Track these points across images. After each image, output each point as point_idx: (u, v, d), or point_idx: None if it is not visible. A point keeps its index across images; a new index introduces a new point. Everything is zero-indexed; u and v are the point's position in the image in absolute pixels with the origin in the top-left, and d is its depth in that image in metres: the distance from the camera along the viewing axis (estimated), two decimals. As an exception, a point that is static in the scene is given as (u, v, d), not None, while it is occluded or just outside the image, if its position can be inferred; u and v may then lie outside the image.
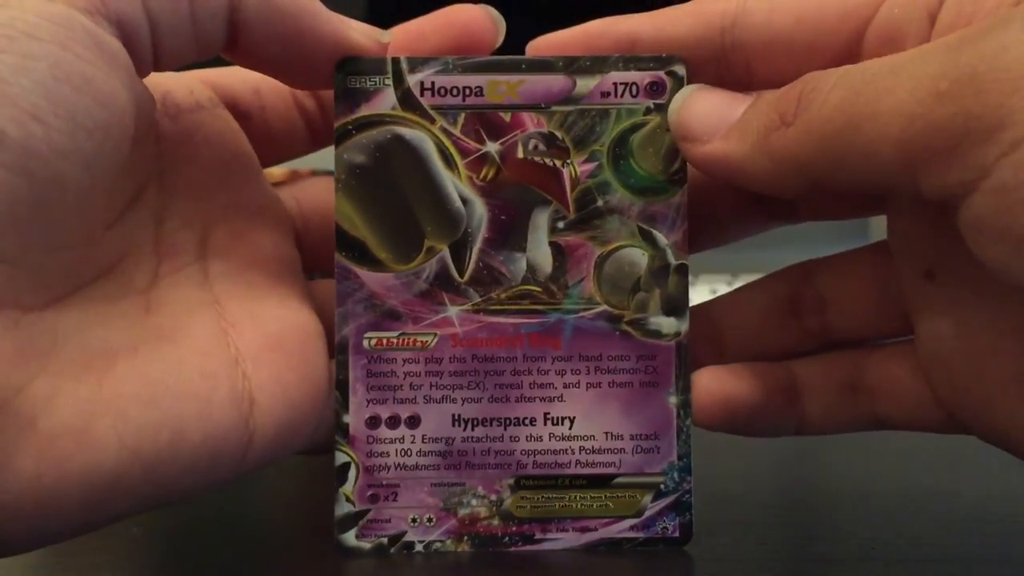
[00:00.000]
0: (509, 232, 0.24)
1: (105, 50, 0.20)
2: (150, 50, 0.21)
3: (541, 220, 0.24)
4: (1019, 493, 0.29)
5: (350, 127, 0.24)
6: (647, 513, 0.24)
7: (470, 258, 0.24)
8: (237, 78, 0.26)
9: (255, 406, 0.22)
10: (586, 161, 0.24)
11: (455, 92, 0.24)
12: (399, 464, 0.24)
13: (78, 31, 0.20)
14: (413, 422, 0.24)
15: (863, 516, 0.27)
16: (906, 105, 0.19)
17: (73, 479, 0.19)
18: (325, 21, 0.23)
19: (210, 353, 0.22)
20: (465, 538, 0.24)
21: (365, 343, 0.24)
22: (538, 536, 0.24)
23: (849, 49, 0.23)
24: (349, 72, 0.24)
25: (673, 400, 0.24)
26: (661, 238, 0.24)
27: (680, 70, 0.24)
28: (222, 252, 0.24)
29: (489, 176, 0.24)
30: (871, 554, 0.24)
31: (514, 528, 0.24)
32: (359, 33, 0.24)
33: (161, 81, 0.24)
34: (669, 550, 0.24)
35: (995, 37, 0.18)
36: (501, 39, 0.25)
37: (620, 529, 0.24)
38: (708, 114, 0.23)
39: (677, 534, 0.24)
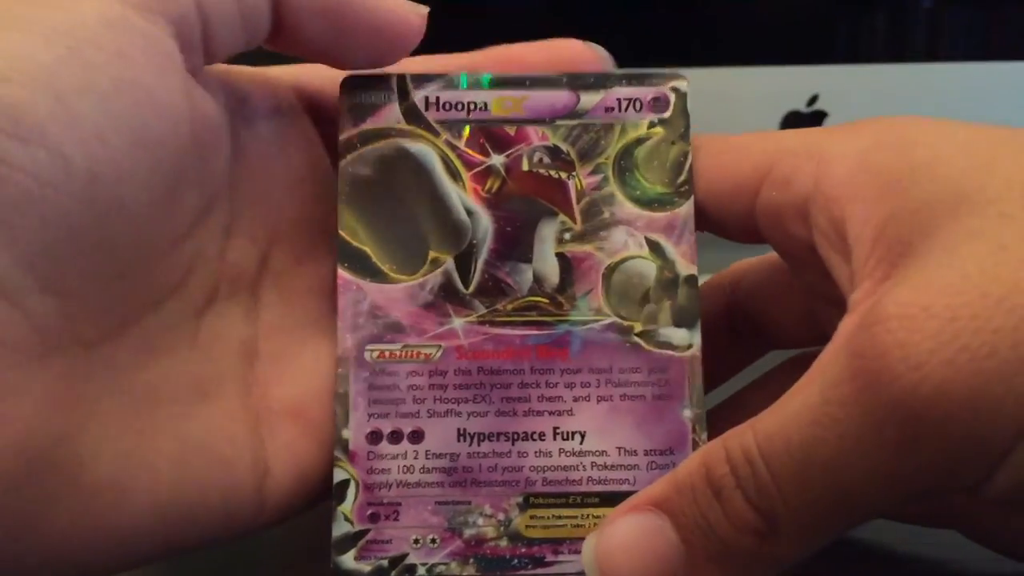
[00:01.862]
0: (515, 243, 0.24)
1: (162, 54, 0.19)
2: (201, 46, 0.21)
3: (547, 231, 0.24)
4: None
5: (355, 140, 0.24)
6: (663, 532, 0.23)
7: (475, 269, 0.24)
8: (327, 78, 0.25)
9: (268, 475, 0.22)
10: (591, 173, 0.24)
11: (460, 107, 0.24)
12: (401, 481, 0.23)
13: (136, 35, 0.19)
14: (416, 437, 0.23)
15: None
16: (874, 475, 0.18)
17: (103, 537, 0.19)
18: None
19: (236, 416, 0.22)
20: (471, 560, 0.23)
21: (367, 356, 0.23)
22: (549, 559, 0.23)
23: (746, 224, 0.24)
24: (355, 87, 0.24)
25: (687, 414, 0.23)
26: (670, 249, 0.24)
27: (682, 86, 0.25)
28: (278, 276, 0.24)
29: (494, 188, 0.24)
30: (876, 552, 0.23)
31: (523, 549, 0.23)
32: (397, 5, 0.23)
33: (242, 84, 0.23)
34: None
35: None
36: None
37: (636, 550, 0.23)
38: (645, 565, 0.20)
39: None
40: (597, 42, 0.25)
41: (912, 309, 0.18)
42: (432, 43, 0.24)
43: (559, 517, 0.23)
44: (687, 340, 0.24)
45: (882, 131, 0.21)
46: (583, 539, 0.22)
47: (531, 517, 0.23)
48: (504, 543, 0.23)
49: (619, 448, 0.23)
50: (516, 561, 0.23)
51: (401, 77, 0.24)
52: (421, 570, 0.22)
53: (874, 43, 0.56)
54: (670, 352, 0.23)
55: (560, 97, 0.24)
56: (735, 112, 0.53)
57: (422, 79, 0.24)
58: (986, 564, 0.23)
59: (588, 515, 0.23)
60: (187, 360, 0.21)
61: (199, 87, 0.21)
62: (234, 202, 0.23)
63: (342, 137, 0.24)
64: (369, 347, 0.23)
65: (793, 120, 0.56)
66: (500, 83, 0.24)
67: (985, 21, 0.56)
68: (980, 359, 0.17)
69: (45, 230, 0.17)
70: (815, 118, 0.56)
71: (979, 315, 0.17)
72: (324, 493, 0.23)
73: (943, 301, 0.17)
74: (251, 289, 0.23)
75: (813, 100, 0.56)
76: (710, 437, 0.22)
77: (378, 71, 0.24)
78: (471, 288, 0.24)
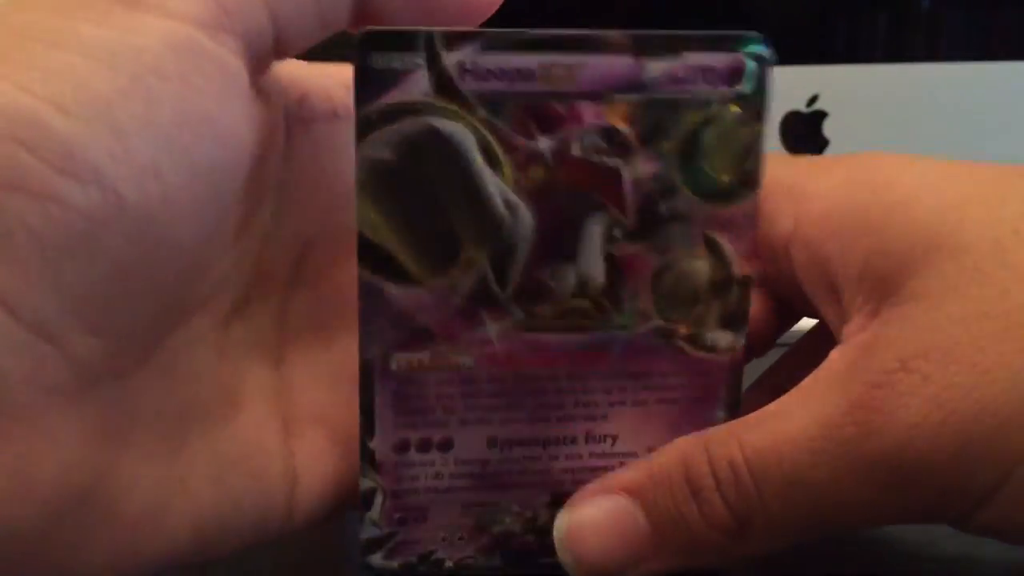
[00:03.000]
0: (559, 241, 0.21)
1: (228, 78, 0.18)
2: (271, 54, 0.19)
3: (595, 228, 0.21)
4: None
5: (374, 117, 0.20)
6: (686, 527, 0.23)
7: (513, 271, 0.21)
8: None
9: (297, 484, 0.21)
10: (651, 160, 0.21)
11: (501, 75, 0.20)
12: (430, 487, 0.22)
13: (203, 61, 0.18)
14: (445, 445, 0.22)
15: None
16: (854, 505, 0.20)
17: (142, 563, 0.19)
18: None
19: (265, 424, 0.21)
20: (498, 554, 0.23)
21: (393, 365, 0.21)
22: (573, 550, 0.23)
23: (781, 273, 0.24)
24: (373, 47, 0.19)
25: (721, 415, 0.23)
26: (727, 247, 0.22)
27: (765, 52, 0.20)
28: (312, 278, 0.23)
29: (539, 177, 0.21)
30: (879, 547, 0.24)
31: (549, 542, 0.23)
32: None
33: (300, 81, 0.22)
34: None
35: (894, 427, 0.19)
36: None
37: (658, 543, 0.23)
38: (612, 547, 0.21)
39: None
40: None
41: (911, 373, 0.20)
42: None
43: None
44: (732, 343, 0.22)
45: (856, 168, 0.22)
46: (608, 533, 0.23)
47: (558, 515, 0.23)
48: (531, 538, 0.23)
49: (649, 449, 0.23)
50: (540, 553, 0.23)
51: (430, 35, 0.19)
52: (448, 564, 0.23)
53: (874, 43, 0.54)
54: (712, 356, 0.22)
55: (621, 64, 0.20)
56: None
57: (455, 38, 0.20)
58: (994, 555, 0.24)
59: (615, 512, 0.23)
60: (216, 371, 0.21)
61: (260, 101, 0.20)
62: (278, 205, 0.21)
63: (360, 112, 0.20)
64: (396, 356, 0.21)
65: (793, 120, 0.53)
66: (549, 44, 0.20)
67: (985, 21, 0.54)
68: (967, 423, 0.19)
69: (94, 271, 0.17)
70: (815, 118, 0.53)
71: (967, 384, 0.19)
72: (351, 499, 0.22)
73: (938, 369, 0.19)
74: (282, 292, 0.22)
75: (813, 100, 0.53)
76: None
77: (403, 28, 0.19)
78: (508, 291, 0.21)
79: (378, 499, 0.22)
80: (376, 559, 0.22)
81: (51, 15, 0.17)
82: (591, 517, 0.22)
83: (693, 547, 0.21)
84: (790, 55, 0.53)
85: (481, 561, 0.23)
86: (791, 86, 0.53)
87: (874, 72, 0.53)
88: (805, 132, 0.54)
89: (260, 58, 0.19)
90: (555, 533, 0.22)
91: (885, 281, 0.21)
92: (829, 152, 0.53)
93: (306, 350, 0.22)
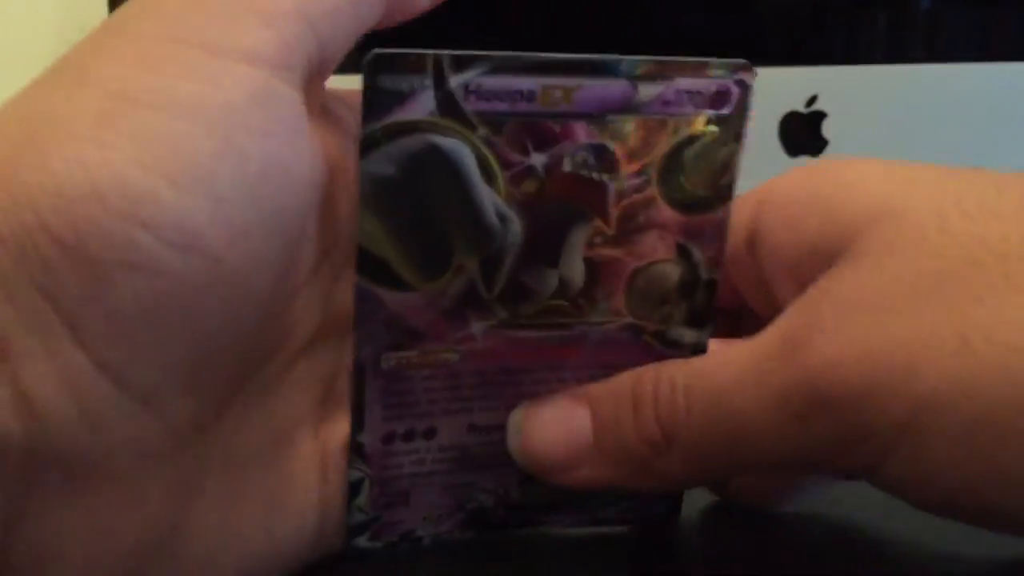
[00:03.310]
0: (544, 248, 0.22)
1: (297, 118, 0.19)
2: (317, 76, 0.20)
3: (578, 236, 0.22)
4: None
5: (379, 134, 0.20)
6: (641, 495, 0.25)
7: (500, 275, 0.22)
8: None
9: (327, 513, 0.22)
10: (634, 175, 0.22)
11: (503, 96, 0.20)
12: (413, 473, 0.23)
13: (279, 106, 0.18)
14: (429, 434, 0.23)
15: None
16: (769, 433, 0.20)
17: None
18: None
19: (310, 462, 0.22)
20: (472, 527, 0.25)
21: (384, 364, 0.22)
22: (539, 518, 0.25)
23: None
24: (382, 70, 0.19)
25: (679, 399, 0.25)
26: (697, 253, 0.23)
27: (749, 79, 0.22)
28: None
29: (531, 191, 0.21)
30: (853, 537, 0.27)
31: (518, 514, 0.25)
32: None
33: (336, 110, 0.21)
34: (659, 526, 0.26)
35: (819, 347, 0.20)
36: None
37: (616, 510, 0.25)
38: (556, 442, 0.23)
39: (666, 512, 0.26)
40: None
41: (840, 318, 0.20)
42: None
43: (553, 488, 0.25)
44: (696, 339, 0.24)
45: (814, 166, 0.24)
46: (570, 502, 0.25)
47: (529, 489, 0.25)
48: (502, 512, 0.25)
49: (614, 430, 0.24)
50: (510, 522, 0.25)
51: (438, 59, 0.20)
52: (427, 540, 0.24)
53: (873, 44, 0.53)
54: (676, 351, 0.24)
55: (616, 88, 0.21)
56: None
57: (462, 62, 0.20)
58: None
59: (579, 486, 0.25)
60: (273, 410, 0.21)
61: (319, 135, 0.20)
62: (346, 242, 0.21)
63: (365, 130, 0.20)
64: (386, 355, 0.22)
65: (792, 121, 0.52)
66: (551, 67, 0.20)
67: (985, 21, 0.53)
68: (880, 362, 0.19)
69: (193, 336, 0.18)
70: (814, 119, 0.52)
71: (889, 330, 0.19)
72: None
73: (865, 316, 0.20)
74: (346, 327, 0.22)
75: (812, 101, 0.52)
76: None
77: (412, 51, 0.19)
78: (494, 294, 0.22)
79: (365, 487, 0.23)
80: (362, 541, 0.24)
81: (141, 71, 0.17)
82: (545, 414, 0.23)
83: (623, 458, 0.22)
84: (789, 56, 0.54)
85: (456, 535, 0.25)
86: (790, 87, 0.53)
87: (873, 73, 0.53)
88: (804, 133, 0.54)
89: (313, 86, 0.19)
90: (510, 419, 0.23)
91: (833, 250, 0.21)
92: (828, 153, 0.53)
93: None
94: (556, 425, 0.23)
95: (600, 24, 0.52)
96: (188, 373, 0.18)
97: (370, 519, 0.24)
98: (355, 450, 0.23)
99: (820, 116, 0.54)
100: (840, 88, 0.54)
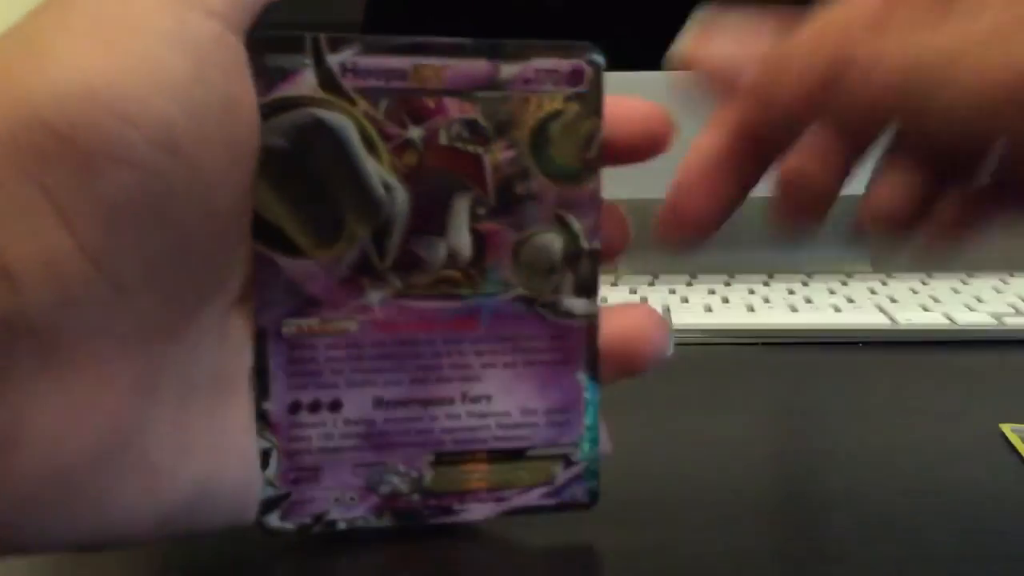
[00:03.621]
0: (430, 218, 0.24)
1: (244, 67, 0.21)
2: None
3: (462, 207, 0.24)
4: (1016, 490, 0.29)
5: (266, 109, 0.23)
6: (557, 481, 0.26)
7: (391, 244, 0.24)
8: None
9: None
10: (507, 148, 0.24)
11: (378, 74, 0.24)
12: (321, 447, 0.24)
13: (232, 54, 0.21)
14: (335, 406, 0.24)
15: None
16: None
17: (154, 518, 0.21)
18: None
19: (250, 414, 0.23)
20: (386, 513, 0.25)
21: (285, 330, 0.24)
22: (456, 507, 0.25)
23: None
24: (267, 49, 0.23)
25: (582, 376, 0.26)
26: (575, 223, 0.25)
27: (598, 59, 0.25)
28: None
29: (412, 162, 0.24)
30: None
31: (433, 502, 0.25)
32: None
33: None
34: (578, 514, 0.26)
35: None
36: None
37: (533, 497, 0.26)
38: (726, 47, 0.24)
39: (586, 499, 0.26)
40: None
41: None
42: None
43: (466, 472, 0.25)
44: (587, 309, 0.25)
45: None
46: (486, 490, 0.25)
47: (441, 473, 0.25)
48: (416, 497, 0.25)
49: (521, 408, 0.25)
50: (427, 512, 0.25)
51: (316, 39, 0.23)
52: (342, 524, 0.25)
53: None
54: (570, 321, 0.25)
55: (480, 67, 0.24)
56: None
57: (338, 42, 0.23)
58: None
59: (492, 469, 0.25)
60: (216, 357, 0.23)
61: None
62: None
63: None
64: (287, 322, 0.24)
65: None
66: (419, 49, 0.24)
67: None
68: None
69: (167, 234, 0.20)
70: None
71: None
72: None
73: None
74: None
75: None
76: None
77: (291, 33, 0.23)
78: (387, 263, 0.24)
79: (273, 459, 0.24)
80: (272, 520, 0.24)
81: (124, 6, 0.20)
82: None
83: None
84: None
85: (372, 522, 0.25)
86: None
87: None
88: None
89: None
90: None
91: None
92: None
93: None
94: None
95: (600, 24, 0.55)
96: (158, 271, 0.20)
97: (280, 495, 0.24)
98: (261, 418, 0.24)
99: None
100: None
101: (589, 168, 0.25)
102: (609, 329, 0.26)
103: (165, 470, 0.21)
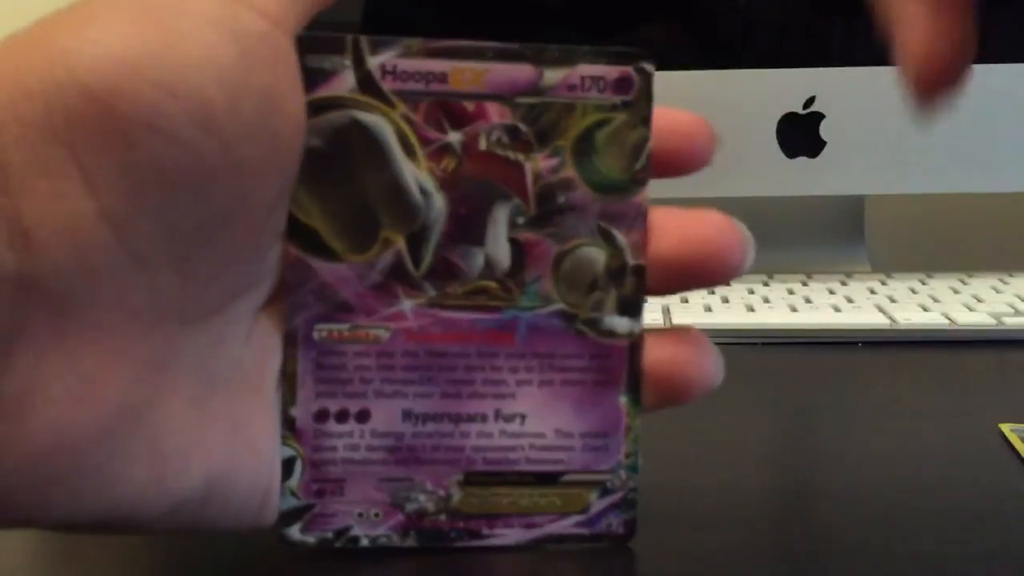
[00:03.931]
0: (468, 226, 0.24)
1: (293, 67, 0.21)
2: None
3: (501, 215, 0.24)
4: (1016, 490, 0.29)
5: (307, 109, 0.23)
6: (593, 510, 0.24)
7: (427, 251, 0.23)
8: None
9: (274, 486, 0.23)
10: (549, 156, 0.24)
11: (418, 77, 0.23)
12: (346, 459, 0.23)
13: (280, 50, 0.21)
14: (363, 416, 0.23)
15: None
16: None
17: (163, 505, 0.21)
18: None
19: (273, 415, 0.23)
20: (411, 533, 0.24)
21: (315, 335, 0.23)
22: (484, 532, 0.24)
23: None
24: (307, 50, 0.23)
25: (623, 400, 0.24)
26: (620, 238, 0.24)
27: (649, 67, 0.24)
28: None
29: (450, 168, 0.23)
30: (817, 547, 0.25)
31: (461, 524, 0.24)
32: None
33: None
34: (613, 547, 0.24)
35: None
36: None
37: (566, 526, 0.24)
38: None
39: (621, 531, 0.24)
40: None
41: None
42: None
43: (496, 494, 0.24)
44: (629, 328, 0.24)
45: None
46: (517, 515, 0.24)
47: (470, 494, 0.24)
48: (443, 518, 0.24)
49: (556, 430, 0.24)
50: (454, 534, 0.24)
51: (356, 40, 0.23)
52: (364, 541, 0.24)
53: (871, 45, 0.55)
54: (612, 340, 0.24)
55: (522, 72, 0.23)
56: (731, 114, 0.51)
57: (378, 44, 0.23)
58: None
59: (523, 492, 0.24)
60: (241, 355, 0.22)
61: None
62: None
63: None
64: (318, 326, 0.23)
65: (790, 122, 0.56)
66: (460, 53, 0.23)
67: (984, 22, 0.56)
68: None
69: (196, 214, 0.20)
70: (812, 120, 0.56)
71: None
72: None
73: None
74: None
75: (810, 102, 0.56)
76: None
77: (334, 34, 0.23)
78: (422, 270, 0.23)
79: (297, 468, 0.23)
80: (293, 532, 0.23)
81: None
82: None
83: None
84: (787, 57, 0.56)
85: (396, 540, 0.24)
86: (788, 88, 0.54)
87: (871, 74, 0.54)
88: (802, 134, 0.55)
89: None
90: None
91: None
92: (826, 154, 0.54)
93: None
94: None
95: (598, 24, 0.54)
96: (182, 249, 0.20)
97: (302, 506, 0.23)
98: (287, 424, 0.23)
99: (818, 117, 0.54)
100: (838, 89, 0.54)
101: (636, 180, 0.24)
102: (655, 353, 0.24)
103: (175, 459, 0.21)
